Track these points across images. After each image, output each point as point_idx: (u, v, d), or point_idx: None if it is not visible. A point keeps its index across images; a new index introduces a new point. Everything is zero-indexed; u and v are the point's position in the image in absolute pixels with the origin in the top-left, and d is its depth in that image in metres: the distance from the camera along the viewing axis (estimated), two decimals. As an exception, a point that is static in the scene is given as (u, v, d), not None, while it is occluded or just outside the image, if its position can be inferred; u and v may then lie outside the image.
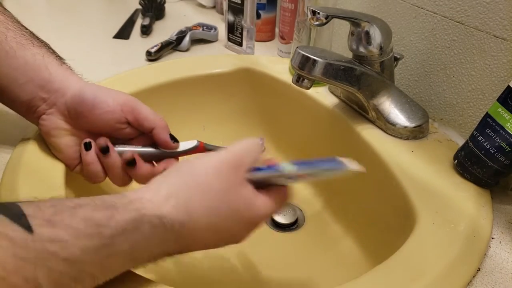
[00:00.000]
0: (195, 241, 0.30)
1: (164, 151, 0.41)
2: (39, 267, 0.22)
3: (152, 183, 0.30)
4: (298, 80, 0.46)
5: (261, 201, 0.32)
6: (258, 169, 0.32)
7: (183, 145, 0.41)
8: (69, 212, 0.24)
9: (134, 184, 0.39)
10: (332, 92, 0.56)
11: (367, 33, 0.45)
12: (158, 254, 0.28)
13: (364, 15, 0.45)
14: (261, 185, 0.32)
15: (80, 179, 0.44)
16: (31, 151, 0.42)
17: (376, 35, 0.45)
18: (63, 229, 0.23)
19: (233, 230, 0.31)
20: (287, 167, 0.31)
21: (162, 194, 0.28)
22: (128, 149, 0.40)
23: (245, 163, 0.32)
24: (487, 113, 0.41)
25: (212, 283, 0.47)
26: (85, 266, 0.24)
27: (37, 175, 0.39)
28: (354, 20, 0.45)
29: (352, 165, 0.29)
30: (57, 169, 0.40)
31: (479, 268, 0.34)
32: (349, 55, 0.49)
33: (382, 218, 0.46)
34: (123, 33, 0.77)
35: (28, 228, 0.22)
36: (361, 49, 0.46)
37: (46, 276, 0.22)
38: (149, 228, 0.26)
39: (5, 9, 0.42)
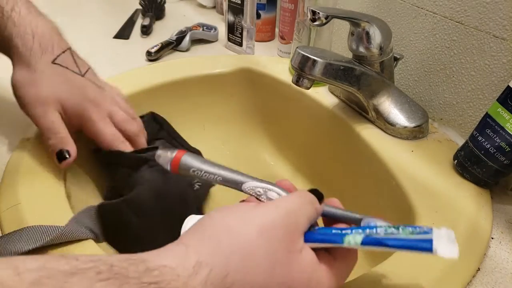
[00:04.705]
0: None
1: None
2: None
3: (180, 241, 0.23)
4: (298, 80, 0.46)
5: (324, 274, 0.24)
6: (312, 232, 0.26)
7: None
8: (58, 280, 0.18)
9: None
10: (332, 92, 0.56)
11: (367, 33, 0.45)
12: None
13: (364, 15, 0.45)
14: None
15: (80, 179, 0.44)
16: (31, 151, 0.42)
17: (376, 35, 0.45)
18: None
19: None
20: (351, 239, 0.24)
21: (191, 262, 0.21)
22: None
23: (300, 224, 0.25)
24: (487, 113, 0.41)
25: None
26: None
27: (37, 175, 0.39)
28: (354, 20, 0.45)
29: (447, 249, 0.21)
30: (58, 169, 0.40)
31: (479, 268, 0.34)
32: (349, 55, 0.49)
33: (381, 217, 0.46)
34: (123, 33, 0.77)
35: None
36: (361, 49, 0.46)
37: None
38: None
39: None
